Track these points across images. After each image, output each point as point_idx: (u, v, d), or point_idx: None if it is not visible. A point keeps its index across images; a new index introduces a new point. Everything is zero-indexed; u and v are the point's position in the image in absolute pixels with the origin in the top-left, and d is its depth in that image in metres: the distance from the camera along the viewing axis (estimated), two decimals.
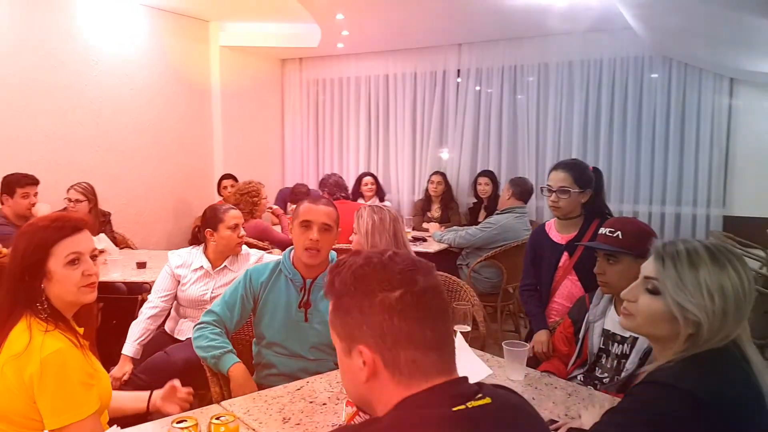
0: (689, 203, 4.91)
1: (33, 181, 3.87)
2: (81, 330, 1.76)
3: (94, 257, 1.75)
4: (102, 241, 3.79)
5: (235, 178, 5.51)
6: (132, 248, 4.63)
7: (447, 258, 4.66)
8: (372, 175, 5.92)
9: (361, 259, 1.00)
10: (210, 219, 2.85)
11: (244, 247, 2.98)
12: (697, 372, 1.23)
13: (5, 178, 3.80)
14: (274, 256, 3.06)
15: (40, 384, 1.49)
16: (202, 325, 2.12)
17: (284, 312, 2.16)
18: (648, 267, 1.37)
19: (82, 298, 1.71)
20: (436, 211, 5.74)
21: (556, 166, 2.75)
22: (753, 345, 1.29)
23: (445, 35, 5.66)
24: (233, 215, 2.84)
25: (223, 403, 1.74)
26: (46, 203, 3.83)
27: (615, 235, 2.12)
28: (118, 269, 3.42)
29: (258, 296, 2.19)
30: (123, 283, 3.65)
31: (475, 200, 5.67)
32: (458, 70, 5.91)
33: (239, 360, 2.06)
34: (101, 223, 4.33)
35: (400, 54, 6.14)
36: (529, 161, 5.61)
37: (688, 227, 4.89)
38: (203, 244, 2.91)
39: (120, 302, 3.66)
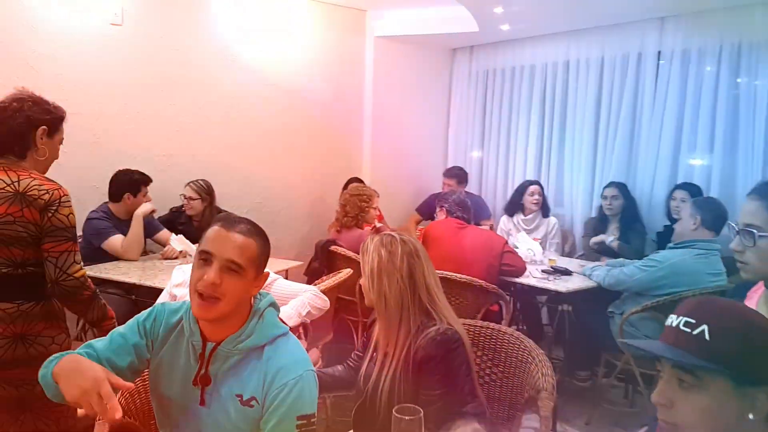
0: None
1: (149, 180, 3.84)
2: None
3: None
4: (181, 242, 3.54)
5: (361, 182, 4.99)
6: None
7: (595, 300, 3.50)
8: (539, 183, 4.87)
9: None
10: None
11: None
12: None
13: (130, 174, 3.70)
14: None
15: None
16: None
17: (181, 384, 1.48)
18: None
19: None
20: (612, 232, 4.46)
21: (753, 192, 1.54)
22: None
23: (642, 6, 4.35)
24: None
25: None
26: (149, 202, 3.72)
27: (697, 331, 1.04)
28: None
29: (154, 346, 1.51)
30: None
31: (668, 223, 4.27)
32: (659, 52, 4.53)
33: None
34: None
35: (584, 34, 4.93)
36: (753, 173, 4.00)
37: None
38: None
39: None
